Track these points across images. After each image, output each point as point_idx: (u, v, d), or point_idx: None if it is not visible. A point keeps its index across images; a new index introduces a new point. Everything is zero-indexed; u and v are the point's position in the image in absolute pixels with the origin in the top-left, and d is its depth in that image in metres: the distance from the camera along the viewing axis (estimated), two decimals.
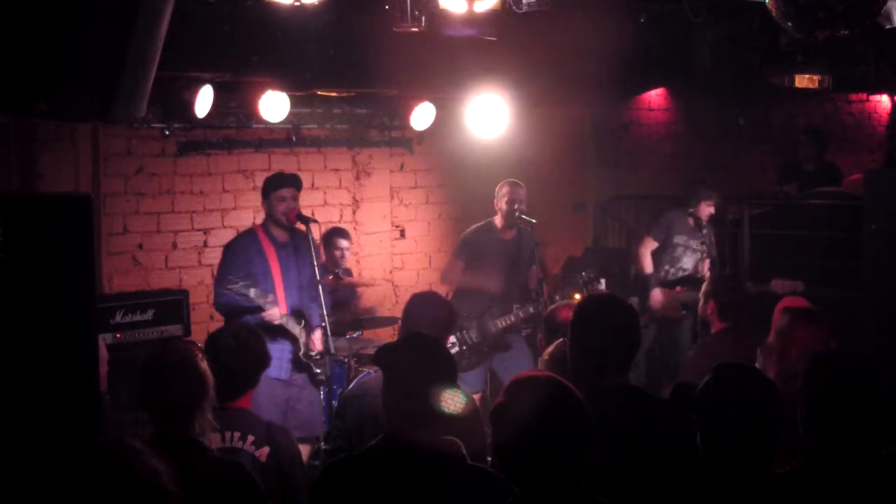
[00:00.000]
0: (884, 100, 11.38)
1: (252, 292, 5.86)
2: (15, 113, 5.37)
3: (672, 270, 7.87)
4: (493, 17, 5.22)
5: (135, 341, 6.52)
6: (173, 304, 6.86)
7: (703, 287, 5.59)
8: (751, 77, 7.25)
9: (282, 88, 6.62)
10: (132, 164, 7.36)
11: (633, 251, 8.16)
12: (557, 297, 6.91)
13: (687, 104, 9.90)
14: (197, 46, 5.46)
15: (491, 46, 5.72)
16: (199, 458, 3.35)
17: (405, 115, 7.62)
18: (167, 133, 7.31)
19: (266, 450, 3.92)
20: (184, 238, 7.64)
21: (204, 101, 6.40)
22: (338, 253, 7.59)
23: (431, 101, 7.47)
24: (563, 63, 6.39)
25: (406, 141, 8.69)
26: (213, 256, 7.24)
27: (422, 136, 8.40)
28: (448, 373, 3.15)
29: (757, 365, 4.35)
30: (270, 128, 7.64)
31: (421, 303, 4.77)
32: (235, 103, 7.19)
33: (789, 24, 4.30)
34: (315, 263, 6.05)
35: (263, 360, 4.24)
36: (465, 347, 6.90)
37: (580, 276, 7.28)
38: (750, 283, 7.57)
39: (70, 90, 3.67)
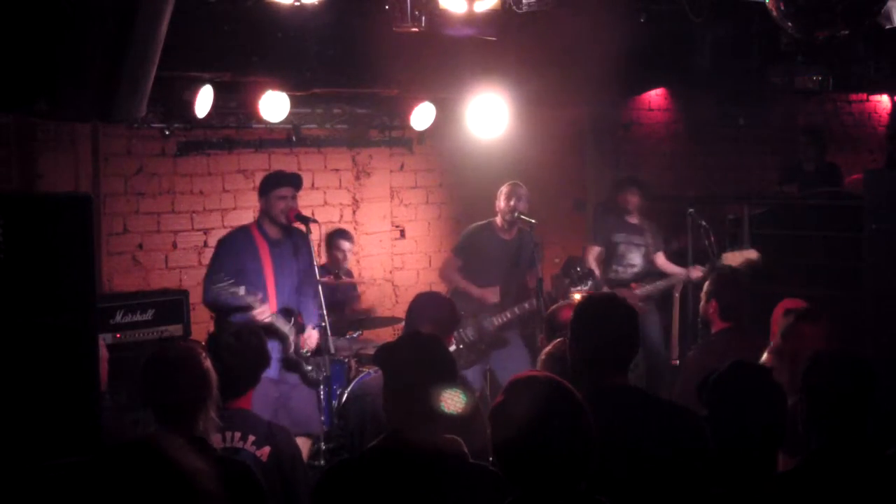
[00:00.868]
0: (884, 100, 11.38)
1: (241, 290, 5.84)
2: (15, 113, 5.38)
3: (621, 269, 7.93)
4: (493, 17, 5.22)
5: (135, 341, 6.52)
6: (173, 304, 6.86)
7: (705, 286, 5.59)
8: (751, 77, 7.25)
9: (282, 88, 6.62)
10: (132, 164, 7.36)
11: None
12: (557, 297, 6.92)
13: (687, 104, 9.90)
14: (197, 46, 5.47)
15: (491, 46, 5.73)
16: (203, 458, 3.34)
17: (405, 115, 7.62)
18: (167, 133, 7.31)
19: (267, 450, 3.92)
20: (184, 238, 7.64)
21: (204, 101, 6.40)
22: (339, 255, 7.60)
23: (431, 101, 7.47)
24: (563, 63, 6.39)
25: (406, 141, 8.69)
26: None
27: (422, 136, 8.40)
28: (448, 372, 3.16)
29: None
30: (270, 128, 7.64)
31: (424, 302, 4.79)
32: (235, 103, 7.18)
33: (789, 24, 4.30)
34: (314, 263, 6.04)
35: (264, 360, 4.24)
36: (461, 346, 6.90)
37: (573, 271, 7.33)
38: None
39: (70, 90, 3.66)
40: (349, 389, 6.33)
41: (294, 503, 3.92)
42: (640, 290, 7.68)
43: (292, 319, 6.11)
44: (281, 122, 7.10)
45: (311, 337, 6.16)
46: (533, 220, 6.93)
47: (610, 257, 7.99)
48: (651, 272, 7.91)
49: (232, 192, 7.83)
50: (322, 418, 6.18)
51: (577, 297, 6.89)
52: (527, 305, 6.87)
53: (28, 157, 6.80)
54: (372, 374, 6.02)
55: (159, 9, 3.76)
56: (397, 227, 8.85)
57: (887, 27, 5.28)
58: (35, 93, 3.60)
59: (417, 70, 6.29)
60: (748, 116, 9.41)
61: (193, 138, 7.55)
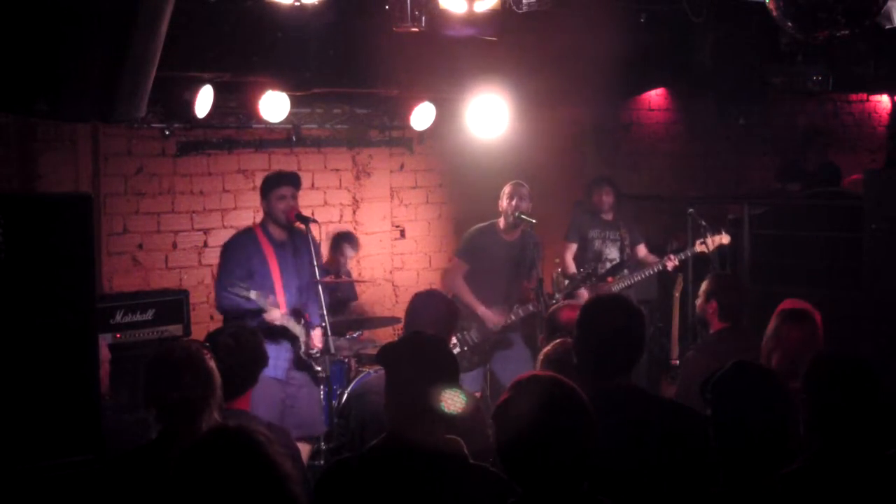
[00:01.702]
0: (884, 100, 11.38)
1: (253, 294, 5.85)
2: (15, 113, 5.37)
3: (598, 265, 7.94)
4: (493, 17, 5.22)
5: (135, 341, 6.52)
6: (173, 304, 6.86)
7: (703, 286, 5.57)
8: (751, 77, 7.25)
9: (282, 88, 6.62)
10: (132, 164, 7.36)
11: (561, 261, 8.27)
12: (557, 297, 6.92)
13: (687, 104, 9.90)
14: (197, 46, 5.47)
15: (491, 46, 5.73)
16: None
17: (405, 115, 7.62)
18: (167, 133, 7.31)
19: None
20: (184, 238, 7.64)
21: (204, 101, 6.40)
22: (342, 259, 7.61)
23: (431, 101, 7.47)
24: (563, 63, 6.39)
25: (406, 141, 8.69)
26: (213, 256, 7.24)
27: (422, 136, 8.41)
28: (449, 372, 3.15)
29: None
30: (270, 128, 7.64)
31: (424, 302, 4.77)
32: (235, 103, 7.18)
33: (789, 24, 4.30)
34: (315, 263, 6.04)
35: (262, 360, 4.23)
36: (466, 348, 6.90)
37: (579, 271, 7.38)
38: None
39: (70, 90, 3.67)
40: (349, 389, 6.33)
41: None
42: (616, 284, 7.69)
43: (301, 320, 6.13)
44: (281, 122, 7.10)
45: (317, 336, 6.16)
46: (533, 220, 6.93)
47: (585, 254, 8.03)
48: (631, 266, 7.96)
49: (232, 192, 7.83)
50: (323, 419, 6.19)
51: (577, 297, 6.91)
52: (531, 307, 6.86)
53: (28, 157, 6.80)
54: (372, 373, 6.02)
55: (159, 9, 3.77)
56: (397, 227, 8.85)
57: (887, 27, 5.28)
58: (35, 93, 3.60)
59: (417, 70, 6.29)
60: (748, 116, 9.39)
61: (193, 138, 7.56)
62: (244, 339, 4.17)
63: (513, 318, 7.00)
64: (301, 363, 6.13)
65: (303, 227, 6.13)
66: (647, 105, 9.93)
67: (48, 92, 3.61)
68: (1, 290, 3.33)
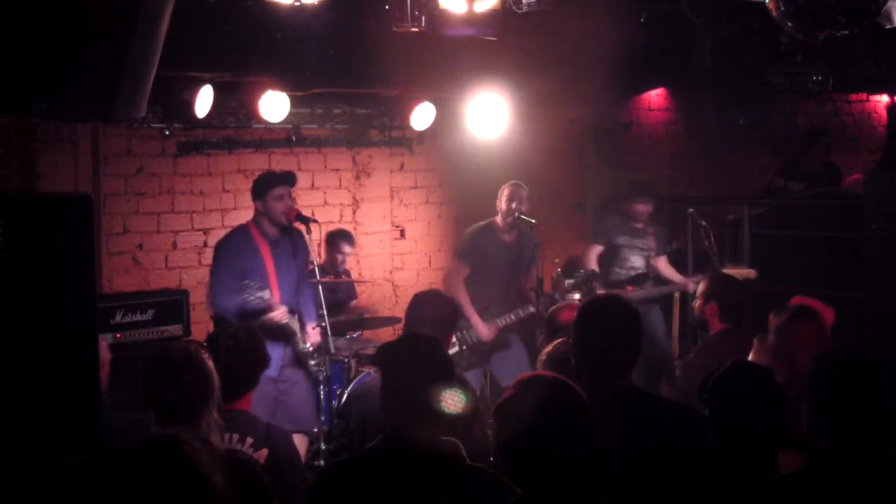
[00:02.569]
0: (884, 100, 11.38)
1: (267, 294, 5.83)
2: (15, 113, 5.38)
3: (622, 271, 7.94)
4: (493, 17, 5.23)
5: (135, 341, 6.52)
6: (173, 304, 6.86)
7: (701, 287, 5.55)
8: (751, 77, 7.25)
9: (282, 88, 6.62)
10: (132, 164, 7.36)
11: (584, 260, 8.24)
12: (557, 297, 6.92)
13: (687, 104, 9.91)
14: (197, 46, 5.47)
15: (491, 46, 5.73)
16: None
17: (405, 115, 7.62)
18: (167, 133, 7.31)
19: (264, 452, 3.91)
20: (184, 238, 7.64)
21: (204, 101, 6.41)
22: (339, 257, 7.60)
23: (431, 101, 7.47)
24: (563, 63, 6.39)
25: (406, 141, 8.69)
26: None
27: (422, 136, 8.41)
28: (446, 373, 3.15)
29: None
30: (270, 128, 7.64)
31: (423, 302, 4.77)
32: (235, 103, 7.19)
33: (789, 24, 4.30)
34: (313, 262, 6.03)
35: (262, 361, 4.23)
36: (465, 347, 6.90)
37: (580, 272, 7.35)
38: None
39: (70, 90, 3.67)
40: (349, 389, 6.33)
41: None
42: (636, 294, 7.67)
43: (296, 316, 6.12)
44: (281, 122, 7.11)
45: (314, 334, 6.15)
46: (533, 220, 6.91)
47: (612, 258, 7.97)
48: (647, 276, 7.94)
49: (232, 192, 7.83)
50: (321, 417, 6.19)
51: (577, 296, 6.91)
52: (531, 308, 6.85)
53: (28, 157, 6.80)
54: (372, 374, 6.02)
55: (159, 9, 3.77)
56: (397, 227, 8.85)
57: (887, 27, 5.28)
58: (35, 93, 3.60)
59: (417, 70, 6.29)
60: (748, 116, 9.40)
61: (193, 138, 7.56)
62: (245, 341, 4.16)
63: (513, 318, 6.99)
64: (298, 361, 6.11)
65: (303, 227, 6.12)
66: (647, 105, 9.92)
67: (48, 92, 3.62)
68: (1, 290, 3.32)
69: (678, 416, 3.43)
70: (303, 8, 4.98)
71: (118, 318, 6.52)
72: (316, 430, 6.15)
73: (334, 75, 6.24)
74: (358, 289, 8.07)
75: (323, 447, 6.00)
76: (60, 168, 6.90)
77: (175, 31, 3.92)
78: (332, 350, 6.07)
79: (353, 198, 8.54)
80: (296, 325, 6.09)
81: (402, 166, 8.81)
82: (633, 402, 3.45)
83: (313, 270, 6.06)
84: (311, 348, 6.13)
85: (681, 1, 5.63)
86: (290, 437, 4.21)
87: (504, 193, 7.02)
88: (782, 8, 4.23)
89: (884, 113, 11.48)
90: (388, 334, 7.69)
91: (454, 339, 6.81)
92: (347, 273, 7.82)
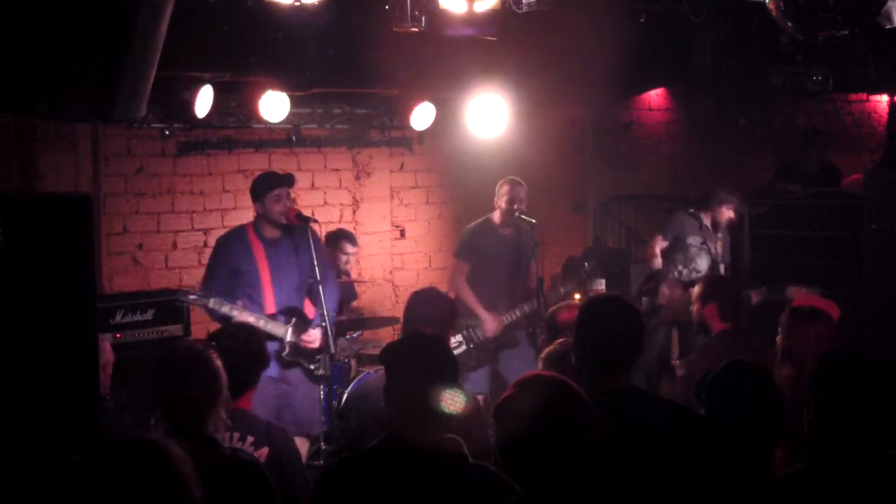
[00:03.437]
0: (884, 100, 11.37)
1: (212, 302, 5.81)
2: (15, 113, 5.38)
3: (685, 271, 7.86)
4: (493, 17, 5.23)
5: (135, 341, 6.52)
6: (173, 304, 6.85)
7: (697, 290, 5.52)
8: (751, 77, 7.25)
9: (282, 88, 6.62)
10: (132, 164, 7.36)
11: (648, 250, 8.15)
12: (562, 291, 6.92)
13: (687, 104, 9.90)
14: (197, 46, 5.47)
15: (491, 46, 5.72)
16: (214, 455, 3.35)
17: (405, 115, 7.62)
18: (167, 133, 7.31)
19: (265, 450, 3.92)
20: (184, 238, 7.64)
21: (204, 101, 6.41)
22: (343, 257, 7.60)
23: (431, 100, 7.47)
24: (563, 63, 6.39)
25: (406, 141, 8.69)
26: None
27: (422, 136, 8.41)
28: (450, 373, 3.16)
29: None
30: (270, 128, 7.64)
31: (422, 300, 4.76)
32: (235, 103, 7.19)
33: (789, 24, 4.30)
34: (315, 262, 6.00)
35: (262, 360, 4.24)
36: (472, 346, 6.89)
37: (582, 269, 7.35)
38: (763, 289, 7.53)
39: (70, 90, 3.66)
40: (349, 389, 6.33)
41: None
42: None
43: (293, 319, 6.08)
44: (281, 122, 7.11)
45: (315, 335, 6.11)
46: (533, 220, 6.91)
47: (677, 256, 7.85)
48: None
49: (232, 192, 7.83)
50: (322, 419, 6.18)
51: (577, 296, 6.91)
52: (535, 303, 6.84)
53: (28, 157, 6.80)
54: (372, 374, 6.02)
55: (159, 9, 3.77)
56: (397, 227, 8.85)
57: (887, 27, 5.28)
58: (35, 93, 3.60)
59: (417, 70, 6.29)
60: (748, 116, 9.40)
61: (193, 138, 7.56)
62: (245, 340, 4.17)
63: (517, 314, 6.98)
64: (284, 362, 6.08)
65: (313, 225, 6.13)
66: (647, 105, 9.92)
67: (48, 92, 3.61)
68: (1, 289, 3.32)
69: (678, 416, 3.43)
70: (303, 8, 4.99)
71: (118, 318, 6.51)
72: (318, 432, 6.15)
73: (334, 75, 6.25)
74: (358, 289, 8.06)
75: (323, 447, 6.00)
76: (60, 168, 6.91)
77: (175, 31, 3.92)
78: (334, 350, 6.05)
79: (353, 198, 8.53)
80: (280, 329, 6.02)
81: (402, 166, 8.81)
82: (634, 402, 3.45)
83: (325, 264, 6.02)
84: (296, 346, 6.07)
85: (681, 1, 5.63)
86: (290, 435, 4.21)
87: (503, 191, 7.00)
88: (782, 8, 4.23)
89: (884, 113, 11.47)
90: (388, 334, 7.70)
91: (460, 339, 6.81)
92: (348, 273, 7.82)
